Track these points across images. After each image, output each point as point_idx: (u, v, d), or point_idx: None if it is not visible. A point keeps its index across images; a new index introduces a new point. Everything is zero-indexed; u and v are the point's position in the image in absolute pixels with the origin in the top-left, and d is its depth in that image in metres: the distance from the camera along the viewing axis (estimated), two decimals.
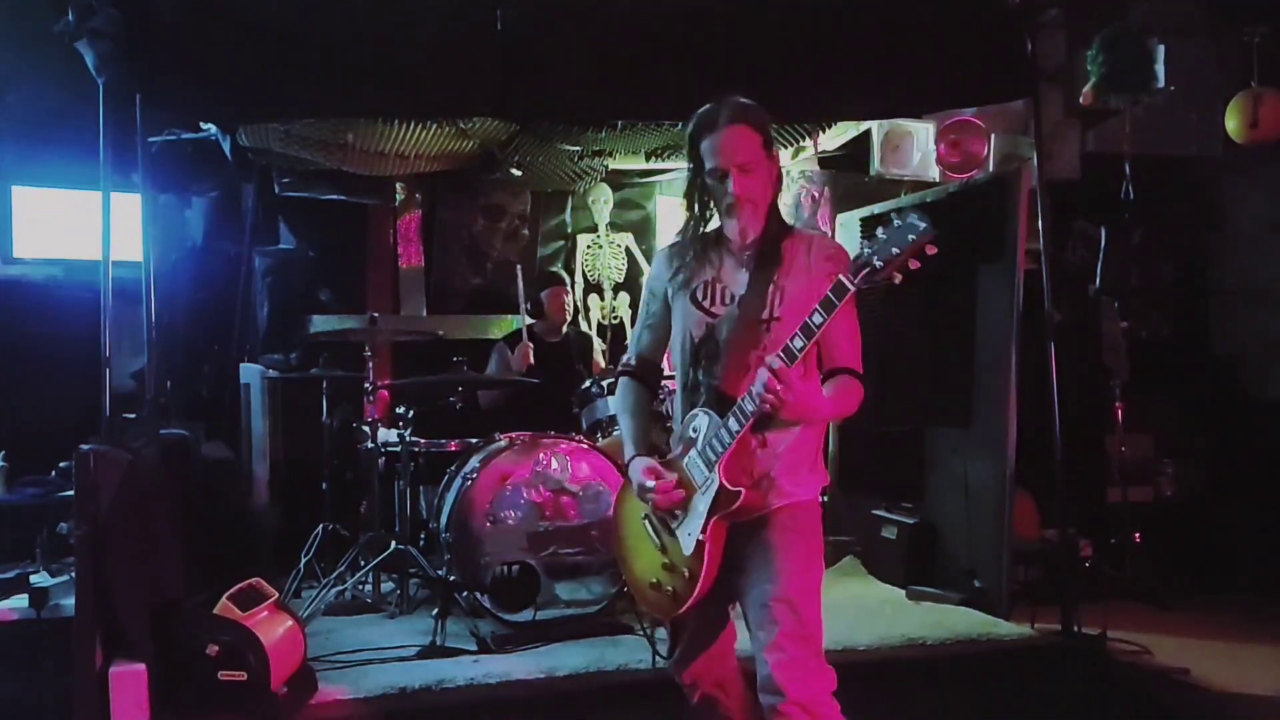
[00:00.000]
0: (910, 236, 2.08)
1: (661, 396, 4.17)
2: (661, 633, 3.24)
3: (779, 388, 2.17)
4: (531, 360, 5.05)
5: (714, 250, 2.52)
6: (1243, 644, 4.46)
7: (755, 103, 2.48)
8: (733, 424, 2.33)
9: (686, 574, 2.41)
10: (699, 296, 2.49)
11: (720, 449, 2.35)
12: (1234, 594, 5.20)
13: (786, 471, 2.43)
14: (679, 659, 2.61)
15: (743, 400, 2.30)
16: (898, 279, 2.12)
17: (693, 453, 2.42)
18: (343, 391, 4.96)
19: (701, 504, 2.38)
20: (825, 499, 2.58)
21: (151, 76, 3.54)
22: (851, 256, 2.19)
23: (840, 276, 2.17)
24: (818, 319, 2.20)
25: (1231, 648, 4.39)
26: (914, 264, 2.10)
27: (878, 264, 2.11)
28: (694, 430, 2.43)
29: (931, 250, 2.08)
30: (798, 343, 2.22)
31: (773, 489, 2.42)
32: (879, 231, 2.13)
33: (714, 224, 2.56)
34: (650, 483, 2.43)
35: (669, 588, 2.46)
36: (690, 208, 2.56)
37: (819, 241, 2.52)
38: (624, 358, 2.73)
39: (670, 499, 2.42)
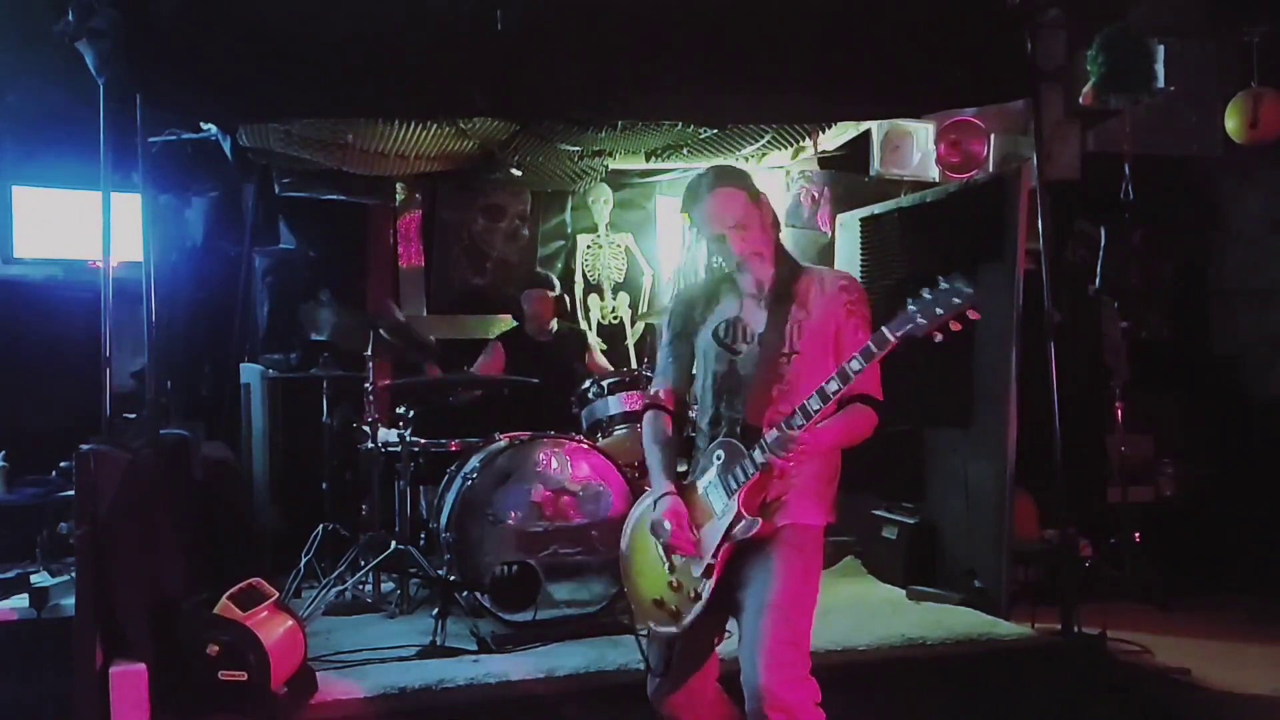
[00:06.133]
0: (955, 300, 2.17)
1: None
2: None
3: (793, 455, 2.32)
4: (501, 367, 5.11)
5: (733, 292, 2.65)
6: (1243, 644, 4.47)
7: (731, 167, 2.72)
8: (758, 456, 2.41)
9: (692, 594, 2.49)
10: (721, 334, 2.62)
11: (743, 478, 2.44)
12: (1234, 594, 5.20)
13: (797, 497, 2.52)
14: (660, 687, 2.65)
15: (767, 437, 2.38)
16: (938, 338, 2.21)
17: (714, 479, 2.50)
18: (343, 391, 4.96)
19: (718, 529, 2.47)
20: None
21: (151, 76, 3.53)
22: (904, 309, 2.25)
23: (883, 329, 2.26)
24: (855, 365, 2.29)
25: (1231, 648, 4.39)
26: (955, 326, 2.20)
27: (921, 321, 2.20)
28: (716, 458, 2.52)
29: (974, 315, 2.18)
30: (833, 386, 2.32)
31: (781, 510, 2.51)
32: (925, 292, 2.21)
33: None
34: (668, 525, 2.50)
35: (672, 606, 2.54)
36: (706, 266, 2.68)
37: (830, 276, 2.65)
38: (651, 390, 2.79)
39: (684, 548, 2.49)
